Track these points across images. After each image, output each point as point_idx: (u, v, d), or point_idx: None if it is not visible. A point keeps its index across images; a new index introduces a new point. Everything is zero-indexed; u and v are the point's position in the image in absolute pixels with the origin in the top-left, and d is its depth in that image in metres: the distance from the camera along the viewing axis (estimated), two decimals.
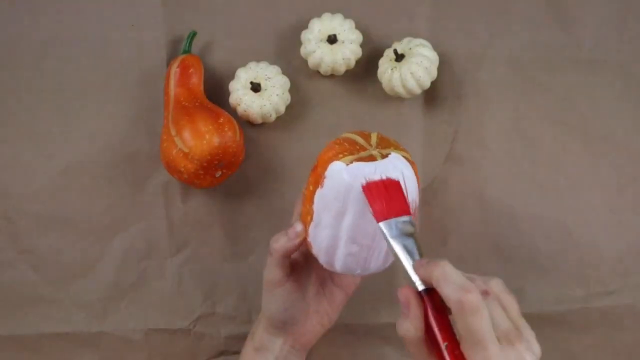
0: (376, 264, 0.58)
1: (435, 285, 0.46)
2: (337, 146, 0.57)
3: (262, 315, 0.63)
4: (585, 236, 0.71)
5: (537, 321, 0.72)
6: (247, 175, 0.71)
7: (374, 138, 0.58)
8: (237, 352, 0.68)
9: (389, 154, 0.56)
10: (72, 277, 0.72)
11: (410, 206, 0.54)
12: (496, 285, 0.48)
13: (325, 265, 0.58)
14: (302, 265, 0.62)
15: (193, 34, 0.69)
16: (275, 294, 0.60)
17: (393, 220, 0.52)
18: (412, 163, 0.56)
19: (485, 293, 0.47)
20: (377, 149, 0.56)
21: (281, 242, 0.58)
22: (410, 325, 0.47)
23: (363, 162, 0.55)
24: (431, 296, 0.48)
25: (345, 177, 0.54)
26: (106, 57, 0.70)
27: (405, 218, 0.52)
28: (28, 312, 0.72)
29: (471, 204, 0.71)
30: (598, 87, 0.71)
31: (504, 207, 0.71)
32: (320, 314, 0.63)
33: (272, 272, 0.59)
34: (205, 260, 0.72)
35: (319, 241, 0.57)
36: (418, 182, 0.57)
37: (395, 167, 0.55)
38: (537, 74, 0.71)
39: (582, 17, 0.70)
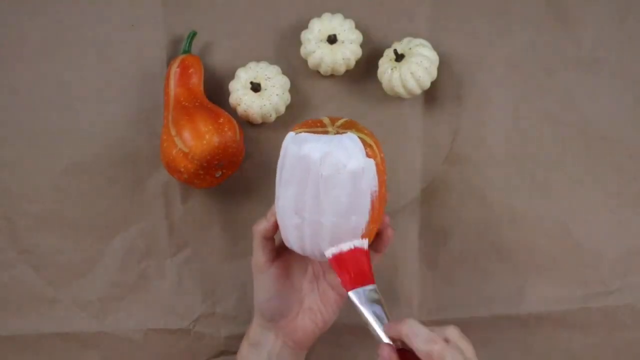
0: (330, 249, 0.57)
1: (405, 340, 0.52)
2: (303, 123, 0.59)
3: (255, 308, 0.63)
4: (585, 236, 0.71)
5: (537, 321, 0.73)
6: (247, 175, 0.71)
7: (341, 121, 0.59)
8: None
9: (346, 133, 0.56)
10: (72, 277, 0.72)
11: (370, 192, 0.56)
12: (452, 333, 0.53)
13: (286, 244, 0.59)
14: (293, 256, 0.62)
15: (193, 34, 0.69)
16: (260, 279, 0.61)
17: (361, 289, 0.55)
18: (369, 145, 0.56)
19: (446, 341, 0.51)
20: (337, 129, 0.57)
21: (260, 224, 0.60)
22: None
23: (313, 134, 0.56)
24: (403, 355, 0.53)
25: (289, 144, 0.56)
26: (106, 57, 0.70)
27: (370, 287, 0.56)
28: (28, 312, 0.72)
29: (471, 204, 0.71)
30: (598, 87, 0.71)
31: (504, 207, 0.71)
32: (313, 312, 0.63)
33: (255, 255, 0.61)
34: (205, 260, 0.72)
35: (278, 216, 0.58)
36: (380, 166, 0.56)
37: (340, 142, 0.55)
38: (537, 74, 0.71)
39: (582, 17, 0.70)
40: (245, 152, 0.68)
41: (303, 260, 0.63)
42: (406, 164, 0.71)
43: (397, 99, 0.69)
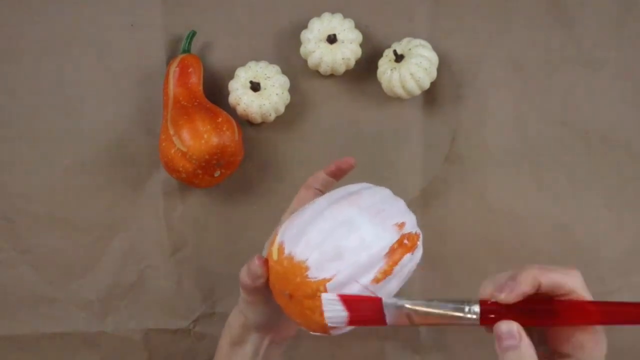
0: None
1: (544, 280, 0.49)
2: None
3: (238, 312, 0.60)
4: (585, 236, 0.71)
5: None
6: (246, 175, 0.71)
7: None
8: None
9: None
10: (72, 277, 0.72)
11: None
12: None
13: None
14: None
15: (192, 34, 0.69)
16: (249, 300, 0.58)
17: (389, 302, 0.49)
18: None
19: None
20: None
21: None
22: (527, 352, 0.47)
23: None
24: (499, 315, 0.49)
25: None
26: (106, 57, 0.70)
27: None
28: (28, 312, 0.72)
29: (471, 204, 0.71)
30: (598, 87, 0.71)
31: (504, 207, 0.71)
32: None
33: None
34: (205, 260, 0.72)
35: None
36: None
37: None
38: (537, 74, 0.71)
39: (582, 17, 0.70)
40: (245, 151, 0.68)
41: None
42: (406, 164, 0.71)
43: (396, 99, 0.69)
